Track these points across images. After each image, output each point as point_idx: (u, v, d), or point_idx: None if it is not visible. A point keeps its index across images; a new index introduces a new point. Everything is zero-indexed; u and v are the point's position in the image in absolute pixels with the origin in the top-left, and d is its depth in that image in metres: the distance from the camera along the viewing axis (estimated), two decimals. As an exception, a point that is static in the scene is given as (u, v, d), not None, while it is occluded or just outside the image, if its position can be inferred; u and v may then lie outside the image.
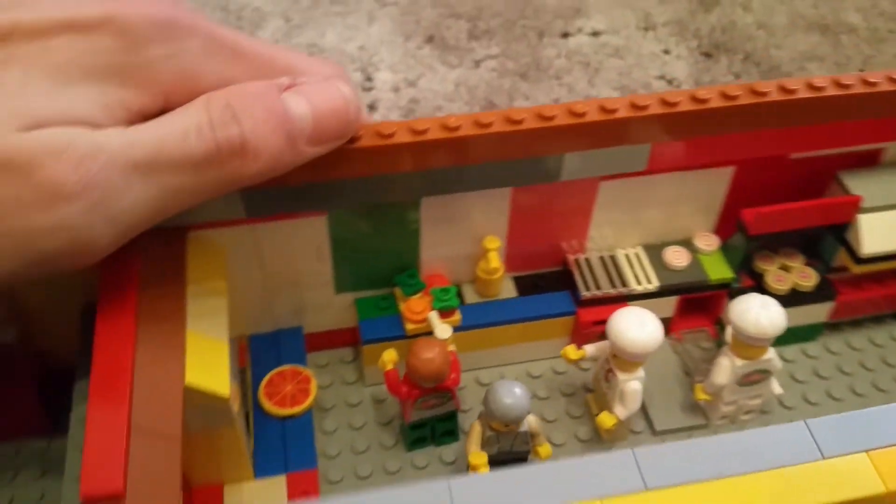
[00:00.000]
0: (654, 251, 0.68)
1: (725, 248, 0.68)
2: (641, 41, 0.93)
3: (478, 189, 0.59)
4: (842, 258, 0.67)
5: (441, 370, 0.56)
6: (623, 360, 0.59)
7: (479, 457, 0.55)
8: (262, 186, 0.50)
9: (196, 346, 0.51)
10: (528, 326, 0.66)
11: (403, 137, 0.54)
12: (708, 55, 0.92)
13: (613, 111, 0.55)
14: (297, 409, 0.62)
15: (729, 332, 0.60)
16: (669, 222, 0.68)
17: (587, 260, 0.68)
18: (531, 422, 0.57)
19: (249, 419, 0.62)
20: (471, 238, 0.64)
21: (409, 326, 0.63)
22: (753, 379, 0.61)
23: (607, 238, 0.68)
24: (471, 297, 0.67)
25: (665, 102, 0.56)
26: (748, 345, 0.59)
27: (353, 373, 0.68)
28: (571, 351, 0.62)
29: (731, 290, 0.68)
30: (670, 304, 0.68)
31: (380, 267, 0.65)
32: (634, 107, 0.56)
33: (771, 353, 0.61)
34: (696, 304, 0.69)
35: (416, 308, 0.63)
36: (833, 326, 0.72)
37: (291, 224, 0.60)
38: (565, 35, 0.93)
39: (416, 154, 0.54)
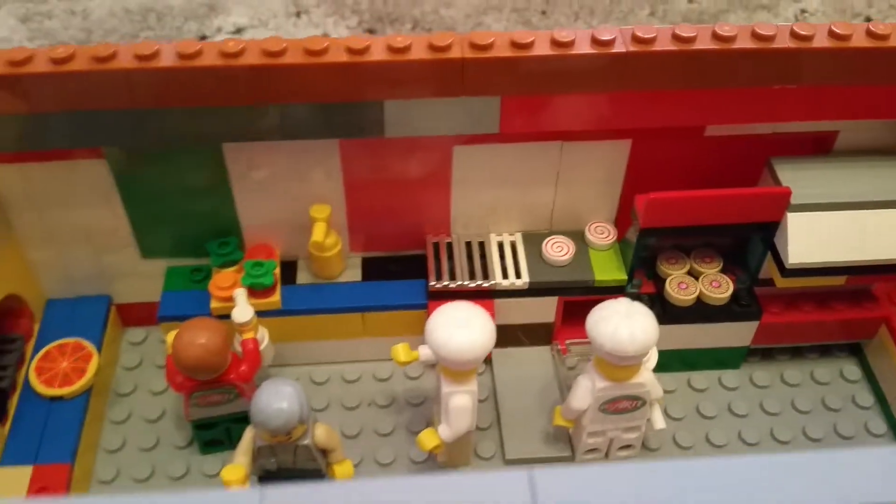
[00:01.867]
0: (536, 241, 0.55)
1: (623, 244, 0.55)
2: (294, 30, 0.79)
3: (288, 138, 0.47)
4: (769, 268, 0.54)
5: (208, 360, 0.45)
6: (447, 367, 0.47)
7: (233, 471, 0.44)
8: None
9: None
10: (369, 318, 0.55)
11: (167, 60, 0.42)
12: (371, 31, 0.79)
13: (444, 49, 0.43)
14: (65, 391, 0.51)
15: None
16: (561, 206, 0.55)
17: (449, 244, 0.55)
18: (319, 434, 0.46)
19: (12, 396, 0.51)
20: (298, 203, 0.52)
21: (214, 305, 0.52)
22: (622, 407, 0.49)
23: (477, 219, 0.55)
24: (305, 276, 0.55)
25: (515, 44, 0.44)
26: (610, 363, 0.46)
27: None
28: (402, 351, 0.50)
29: (627, 296, 0.54)
30: (549, 306, 0.55)
31: (193, 229, 0.54)
32: (474, 46, 0.43)
33: (645, 377, 0.48)
34: (584, 309, 0.57)
35: (222, 283, 0.52)
36: (765, 353, 0.58)
37: (65, 166, 0.49)
38: (202, 39, 0.78)
39: (185, 83, 0.43)
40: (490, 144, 0.50)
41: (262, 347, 0.51)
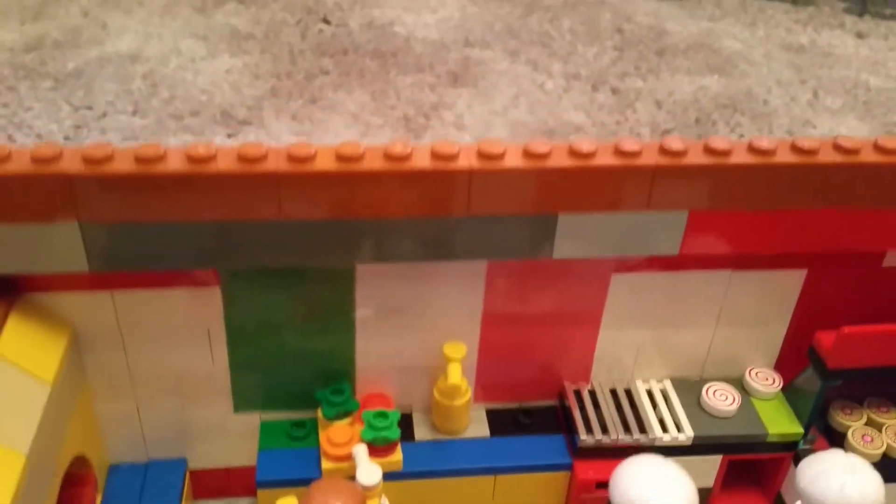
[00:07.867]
0: (689, 388, 0.48)
1: (791, 391, 0.48)
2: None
3: (439, 258, 0.40)
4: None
5: (349, 530, 0.36)
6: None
7: None
8: (111, 221, 0.35)
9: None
10: (503, 482, 0.46)
11: (324, 163, 0.36)
12: None
13: (633, 155, 0.38)
14: (140, 579, 0.41)
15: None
16: (719, 349, 0.48)
17: (593, 392, 0.48)
18: None
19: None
20: (424, 340, 0.45)
21: (327, 465, 0.44)
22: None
23: (622, 363, 0.48)
24: (424, 431, 0.47)
25: (710, 151, 0.39)
26: (831, 530, 0.38)
27: (251, 533, 0.48)
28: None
29: (798, 454, 0.47)
30: (709, 468, 0.47)
31: (300, 373, 0.46)
32: (666, 153, 0.38)
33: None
34: (746, 472, 0.49)
35: (338, 437, 0.44)
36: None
37: (167, 295, 0.42)
38: None
39: (349, 188, 0.37)
40: (651, 273, 0.44)
41: (385, 518, 0.42)
